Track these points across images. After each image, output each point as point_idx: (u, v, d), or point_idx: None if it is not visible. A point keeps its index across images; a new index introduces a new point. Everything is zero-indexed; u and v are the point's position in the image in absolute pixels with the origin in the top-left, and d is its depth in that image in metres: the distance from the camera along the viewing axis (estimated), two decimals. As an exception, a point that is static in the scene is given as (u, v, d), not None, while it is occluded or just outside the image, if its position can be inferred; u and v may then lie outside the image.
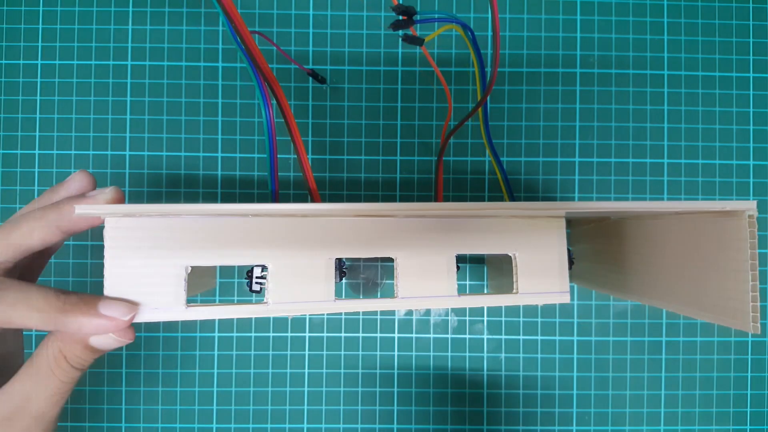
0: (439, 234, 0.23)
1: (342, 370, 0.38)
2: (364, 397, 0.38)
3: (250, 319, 0.37)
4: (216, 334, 0.38)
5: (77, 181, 0.22)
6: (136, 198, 0.38)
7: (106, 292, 0.20)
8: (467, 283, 0.38)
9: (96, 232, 0.20)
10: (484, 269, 0.38)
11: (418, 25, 0.26)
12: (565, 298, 0.23)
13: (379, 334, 0.38)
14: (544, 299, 0.23)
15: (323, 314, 0.38)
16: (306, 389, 0.38)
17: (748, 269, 0.19)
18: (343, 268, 0.28)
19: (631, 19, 0.39)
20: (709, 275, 0.21)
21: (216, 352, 0.38)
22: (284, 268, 0.22)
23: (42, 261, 0.25)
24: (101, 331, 0.19)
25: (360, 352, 0.38)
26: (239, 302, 0.24)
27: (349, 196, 0.38)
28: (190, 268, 0.21)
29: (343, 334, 0.38)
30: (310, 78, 0.37)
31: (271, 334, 0.38)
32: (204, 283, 0.33)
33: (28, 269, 0.24)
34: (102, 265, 0.20)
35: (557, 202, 0.21)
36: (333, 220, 0.22)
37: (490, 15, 0.39)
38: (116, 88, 0.38)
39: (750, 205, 0.19)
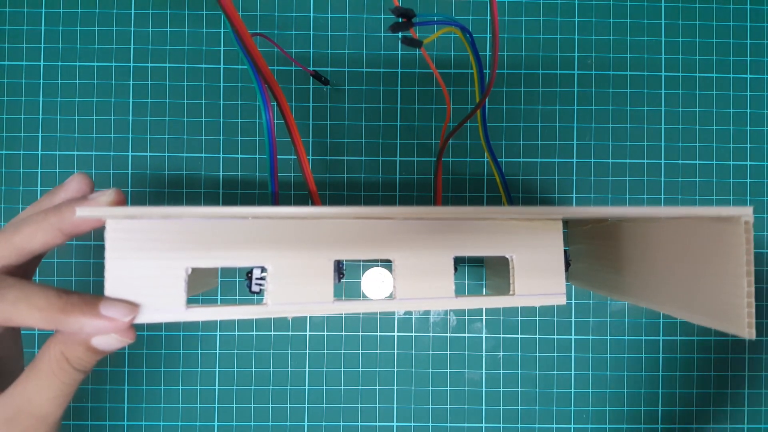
0: (437, 235, 0.23)
1: (342, 369, 0.38)
2: (364, 396, 0.38)
3: (252, 318, 0.38)
4: (218, 333, 0.38)
5: (76, 183, 0.22)
6: (139, 198, 0.38)
7: (107, 293, 0.20)
8: (466, 283, 0.39)
9: (98, 232, 0.21)
10: (483, 270, 0.39)
11: (417, 27, 0.26)
12: (561, 300, 0.24)
13: (378, 333, 0.38)
14: (540, 301, 0.23)
15: (323, 314, 0.38)
16: (307, 387, 0.38)
17: (743, 275, 0.18)
18: (342, 269, 0.28)
19: (629, 21, 0.39)
20: (704, 279, 0.21)
21: (218, 351, 0.38)
22: (283, 270, 0.22)
23: (37, 261, 0.25)
24: (102, 331, 0.19)
25: (360, 351, 0.38)
26: (239, 303, 0.24)
27: (349, 196, 0.38)
28: (190, 270, 0.21)
29: (343, 333, 0.38)
30: (311, 79, 0.38)
31: (272, 333, 0.38)
32: (206, 283, 0.34)
33: (24, 270, 0.24)
34: (103, 265, 0.20)
35: (555, 206, 0.21)
36: (332, 222, 0.22)
37: (489, 17, 0.39)
38: (119, 89, 0.38)
39: (746, 211, 0.19)
